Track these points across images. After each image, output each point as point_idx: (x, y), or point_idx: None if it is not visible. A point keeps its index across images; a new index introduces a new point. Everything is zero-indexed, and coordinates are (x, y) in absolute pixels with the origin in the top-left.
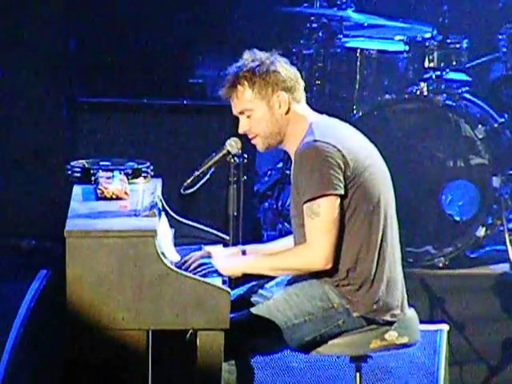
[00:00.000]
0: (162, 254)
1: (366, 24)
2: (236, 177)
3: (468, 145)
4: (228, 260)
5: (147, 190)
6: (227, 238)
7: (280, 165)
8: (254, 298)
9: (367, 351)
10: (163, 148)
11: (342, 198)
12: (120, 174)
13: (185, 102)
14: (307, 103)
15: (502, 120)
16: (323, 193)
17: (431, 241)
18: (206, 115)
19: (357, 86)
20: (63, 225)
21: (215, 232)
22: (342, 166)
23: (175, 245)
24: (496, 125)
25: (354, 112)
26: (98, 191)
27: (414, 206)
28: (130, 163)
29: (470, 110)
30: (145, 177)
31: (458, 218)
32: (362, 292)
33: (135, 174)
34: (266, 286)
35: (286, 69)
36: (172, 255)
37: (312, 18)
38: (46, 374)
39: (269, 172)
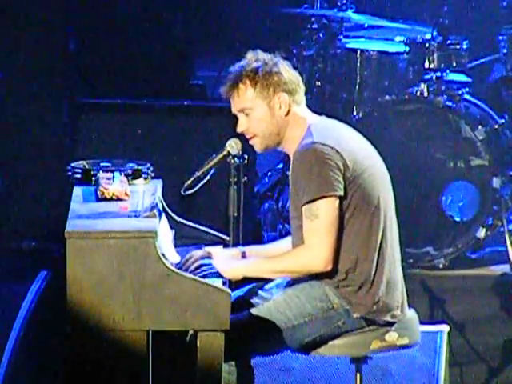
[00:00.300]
0: (163, 254)
1: (366, 25)
2: (236, 178)
3: (468, 146)
4: (229, 262)
5: (147, 191)
6: (227, 238)
7: (280, 166)
8: (253, 300)
9: (367, 352)
10: (163, 149)
11: (342, 199)
12: (120, 174)
13: (185, 103)
14: (307, 104)
15: (503, 121)
16: (322, 194)
17: (431, 242)
18: (207, 116)
19: (357, 87)
20: (64, 226)
21: (215, 233)
22: (341, 168)
23: (175, 246)
24: (496, 126)
25: (355, 113)
26: (99, 192)
27: (415, 207)
28: (131, 164)
29: (471, 111)
30: (145, 178)
31: (458, 219)
32: (362, 293)
33: (135, 175)
34: (266, 287)
35: (288, 71)
36: (172, 256)
37: (312, 19)
38: (46, 374)
39: (269, 173)
